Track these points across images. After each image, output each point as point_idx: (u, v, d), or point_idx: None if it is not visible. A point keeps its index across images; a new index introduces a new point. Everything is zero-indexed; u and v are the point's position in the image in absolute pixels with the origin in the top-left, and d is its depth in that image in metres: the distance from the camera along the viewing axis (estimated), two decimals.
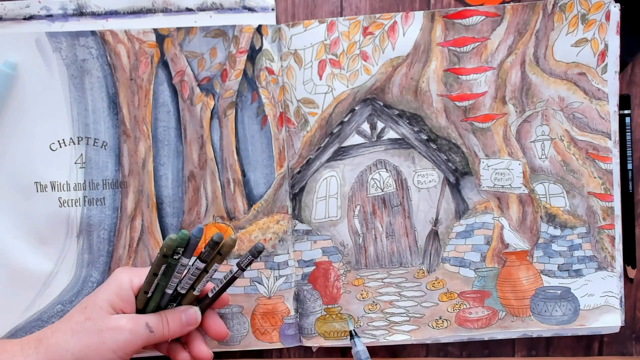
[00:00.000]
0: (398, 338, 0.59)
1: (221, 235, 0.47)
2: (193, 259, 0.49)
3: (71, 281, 0.57)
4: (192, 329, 0.50)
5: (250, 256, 0.48)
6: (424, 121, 0.58)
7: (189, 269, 0.49)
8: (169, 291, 0.49)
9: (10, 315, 0.57)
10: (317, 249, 0.58)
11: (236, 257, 0.57)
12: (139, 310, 0.49)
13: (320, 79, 0.57)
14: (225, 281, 0.50)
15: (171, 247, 0.46)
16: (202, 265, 0.48)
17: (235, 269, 0.49)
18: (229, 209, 0.58)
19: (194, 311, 0.50)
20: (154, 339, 0.48)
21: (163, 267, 0.47)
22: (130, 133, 0.57)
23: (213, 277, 0.50)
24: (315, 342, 0.59)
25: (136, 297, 0.49)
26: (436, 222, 0.58)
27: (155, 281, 0.48)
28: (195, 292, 0.50)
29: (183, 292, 0.50)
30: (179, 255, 0.47)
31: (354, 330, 0.57)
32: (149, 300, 0.49)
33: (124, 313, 0.48)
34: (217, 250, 0.48)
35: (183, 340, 0.52)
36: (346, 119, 0.58)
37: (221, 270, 0.50)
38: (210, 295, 0.51)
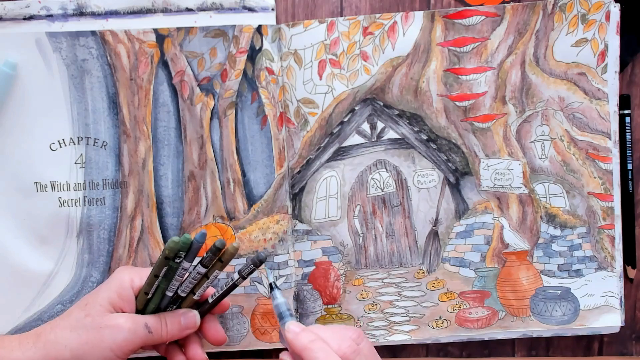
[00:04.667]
0: (398, 338, 0.59)
1: (224, 242, 0.47)
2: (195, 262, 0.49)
3: (71, 281, 0.57)
4: (190, 332, 0.50)
5: (252, 265, 0.48)
6: (424, 121, 0.58)
7: (190, 273, 0.48)
8: (169, 294, 0.49)
9: (10, 315, 0.57)
10: (317, 249, 0.58)
11: (236, 257, 0.57)
12: (139, 311, 0.49)
13: (320, 79, 0.57)
14: (225, 288, 0.50)
15: (173, 250, 0.46)
16: (203, 271, 0.48)
17: (236, 276, 0.49)
18: (229, 209, 0.58)
19: (193, 315, 0.50)
20: (152, 340, 0.48)
21: (164, 270, 0.47)
22: (130, 133, 0.57)
23: (214, 281, 0.50)
24: None
25: (136, 297, 0.49)
26: (436, 222, 0.58)
27: (156, 283, 0.48)
28: (195, 297, 0.50)
29: (183, 295, 0.49)
30: (181, 259, 0.47)
31: (274, 282, 0.50)
32: (148, 302, 0.49)
33: (123, 312, 0.48)
34: (219, 257, 0.48)
35: (180, 342, 0.52)
36: (346, 119, 0.58)
37: (224, 272, 0.50)
38: (210, 300, 0.51)
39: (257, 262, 0.47)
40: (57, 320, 0.48)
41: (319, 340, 0.44)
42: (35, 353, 0.45)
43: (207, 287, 0.49)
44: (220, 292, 0.50)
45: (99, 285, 0.50)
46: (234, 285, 0.49)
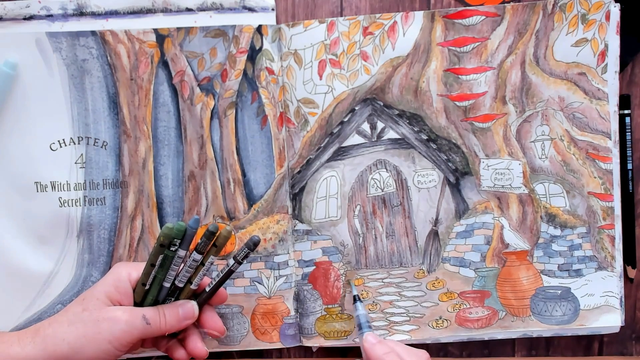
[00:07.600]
0: (398, 338, 0.59)
1: (217, 225, 0.47)
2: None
3: (71, 281, 0.57)
4: (189, 324, 0.50)
5: (247, 249, 0.48)
6: (424, 121, 0.58)
7: (186, 261, 0.49)
8: (167, 284, 0.49)
9: (10, 315, 0.57)
10: (317, 249, 0.58)
11: None
12: (137, 304, 0.49)
13: (320, 79, 0.57)
14: (222, 275, 0.50)
15: (168, 237, 0.46)
16: (198, 257, 0.48)
17: (231, 262, 0.49)
18: (229, 209, 0.58)
19: (191, 305, 0.50)
20: (150, 332, 0.48)
21: (160, 259, 0.47)
22: (131, 133, 0.57)
23: (211, 277, 0.50)
24: (315, 342, 0.59)
25: (134, 290, 0.49)
26: (436, 222, 0.58)
27: (153, 273, 0.48)
28: (193, 286, 0.50)
29: (181, 285, 0.50)
30: (176, 247, 0.47)
31: (357, 295, 0.57)
32: (146, 294, 0.49)
33: (121, 305, 0.48)
34: (213, 242, 0.48)
35: (180, 337, 0.52)
36: (346, 119, 0.58)
37: (217, 265, 0.50)
38: (207, 290, 0.51)
39: (252, 245, 0.48)
40: (56, 315, 0.48)
41: (393, 353, 0.49)
42: (34, 348, 0.45)
43: (204, 275, 0.49)
44: (217, 279, 0.50)
45: (97, 281, 0.50)
46: (230, 272, 0.49)
